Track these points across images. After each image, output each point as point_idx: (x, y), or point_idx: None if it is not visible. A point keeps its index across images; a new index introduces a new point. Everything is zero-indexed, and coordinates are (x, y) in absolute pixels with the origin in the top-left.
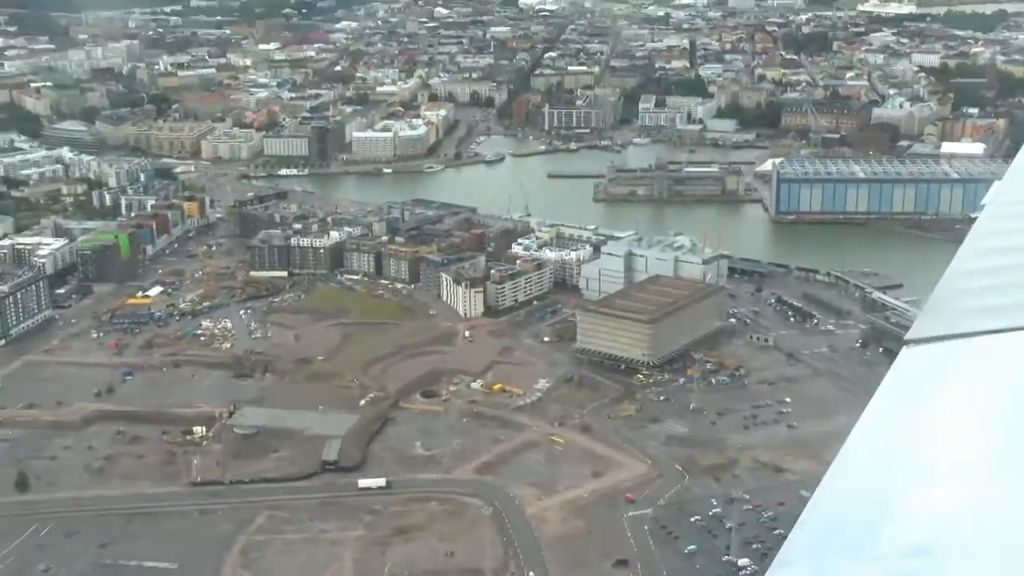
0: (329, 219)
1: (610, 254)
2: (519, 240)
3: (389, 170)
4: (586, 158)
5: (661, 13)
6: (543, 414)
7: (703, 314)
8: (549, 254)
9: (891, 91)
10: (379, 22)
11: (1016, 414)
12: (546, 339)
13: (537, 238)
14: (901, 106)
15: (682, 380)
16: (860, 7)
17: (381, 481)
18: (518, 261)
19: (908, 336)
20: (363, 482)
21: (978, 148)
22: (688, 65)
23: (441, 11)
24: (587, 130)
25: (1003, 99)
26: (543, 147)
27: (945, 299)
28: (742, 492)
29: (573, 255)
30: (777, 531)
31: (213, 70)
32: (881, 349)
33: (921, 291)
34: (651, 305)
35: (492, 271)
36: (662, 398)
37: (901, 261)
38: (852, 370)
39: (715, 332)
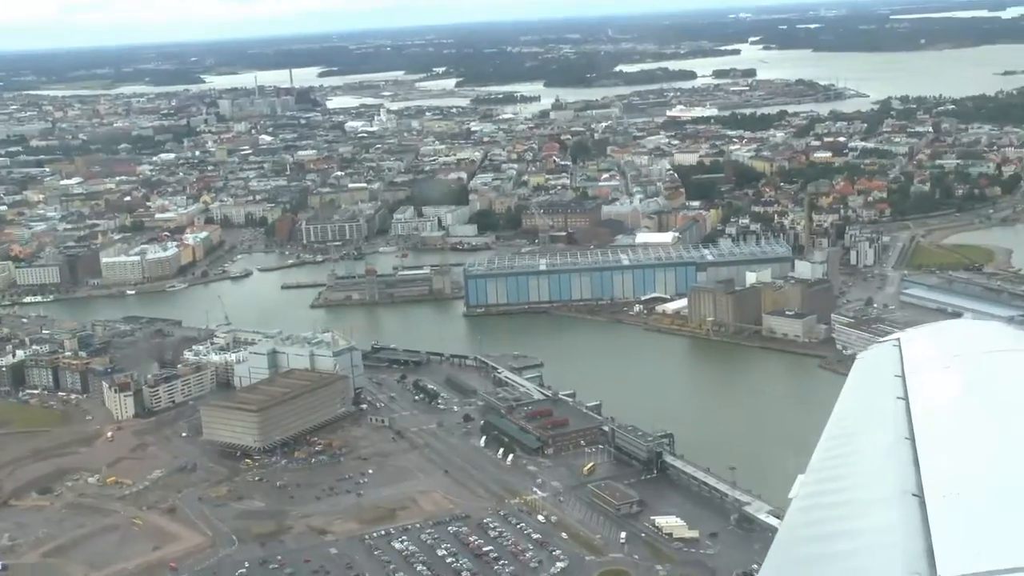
0: (27, 339)
1: (255, 353)
2: (194, 346)
3: (132, 292)
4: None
5: (478, 128)
6: (141, 500)
7: (324, 401)
8: (214, 358)
9: (635, 189)
10: (198, 152)
11: None
12: (184, 434)
13: (212, 343)
14: (631, 203)
15: (284, 462)
16: (668, 113)
17: None
18: (179, 366)
19: None
20: None
21: (668, 237)
22: (463, 176)
23: (266, 138)
24: (339, 243)
25: (735, 191)
26: (291, 261)
27: None
28: (278, 555)
29: (232, 356)
30: None
31: (4, 207)
32: (482, 422)
33: (560, 366)
34: (266, 396)
35: (148, 376)
36: (257, 479)
37: (564, 342)
38: (446, 443)
39: (339, 416)
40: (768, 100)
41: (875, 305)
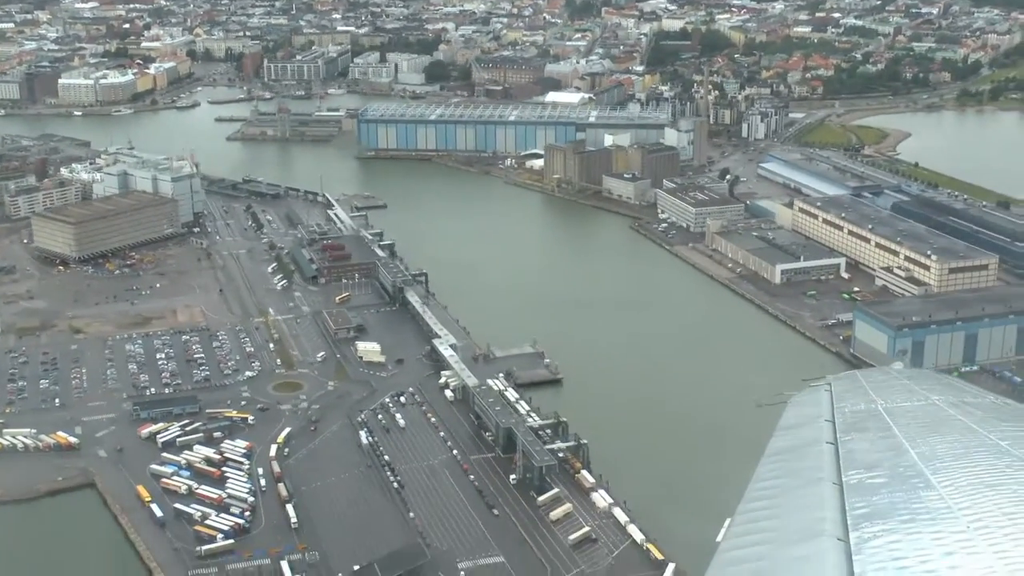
0: None
1: (107, 173)
2: (73, 164)
3: (79, 113)
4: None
5: None
6: None
7: (150, 221)
8: (83, 176)
9: (598, 50)
10: None
11: None
12: (25, 241)
13: (91, 164)
14: (573, 63)
15: (90, 270)
16: None
17: None
18: (45, 180)
19: None
20: None
21: (575, 97)
22: (448, 28)
23: None
24: (294, 82)
25: (693, 59)
26: (241, 96)
27: None
28: (24, 347)
29: (97, 175)
30: (13, 371)
31: (11, 25)
32: (285, 251)
33: (401, 208)
34: (91, 212)
35: (11, 185)
36: (58, 284)
37: (423, 188)
38: (243, 265)
39: (166, 236)
40: None
41: (728, 176)
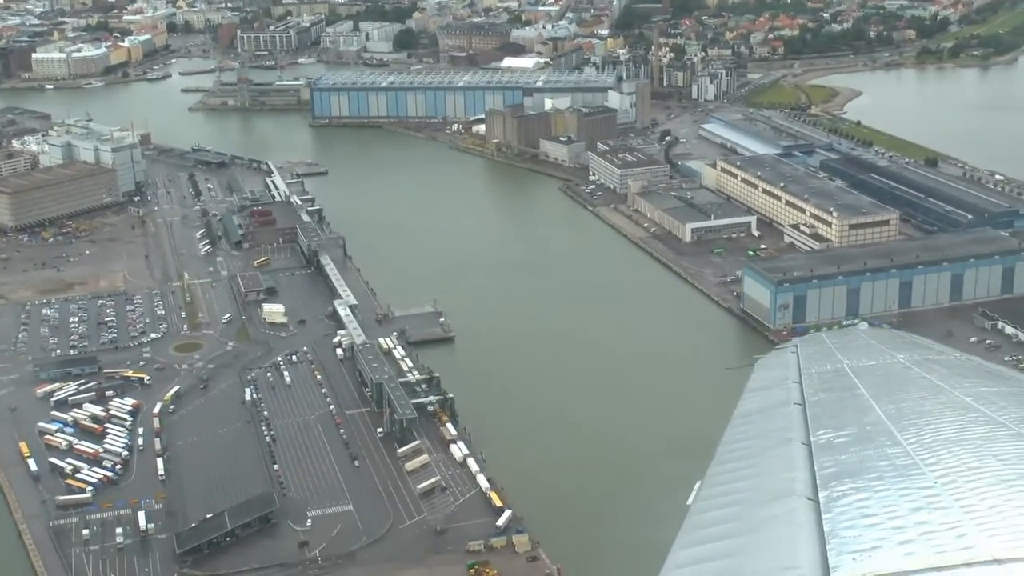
0: None
1: (52, 144)
2: (25, 136)
3: (51, 87)
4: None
5: None
6: None
7: (89, 190)
8: (33, 147)
9: (569, 15)
10: None
11: None
12: None
13: (45, 135)
14: (544, 27)
15: (26, 239)
16: None
17: None
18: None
19: None
20: None
21: (529, 62)
22: None
23: None
24: (266, 52)
25: (662, 21)
26: (212, 66)
27: None
28: None
29: (46, 147)
30: None
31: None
32: (218, 217)
33: (342, 175)
34: (28, 182)
35: None
36: None
37: (365, 154)
38: (175, 233)
39: (105, 205)
40: None
41: (669, 137)
